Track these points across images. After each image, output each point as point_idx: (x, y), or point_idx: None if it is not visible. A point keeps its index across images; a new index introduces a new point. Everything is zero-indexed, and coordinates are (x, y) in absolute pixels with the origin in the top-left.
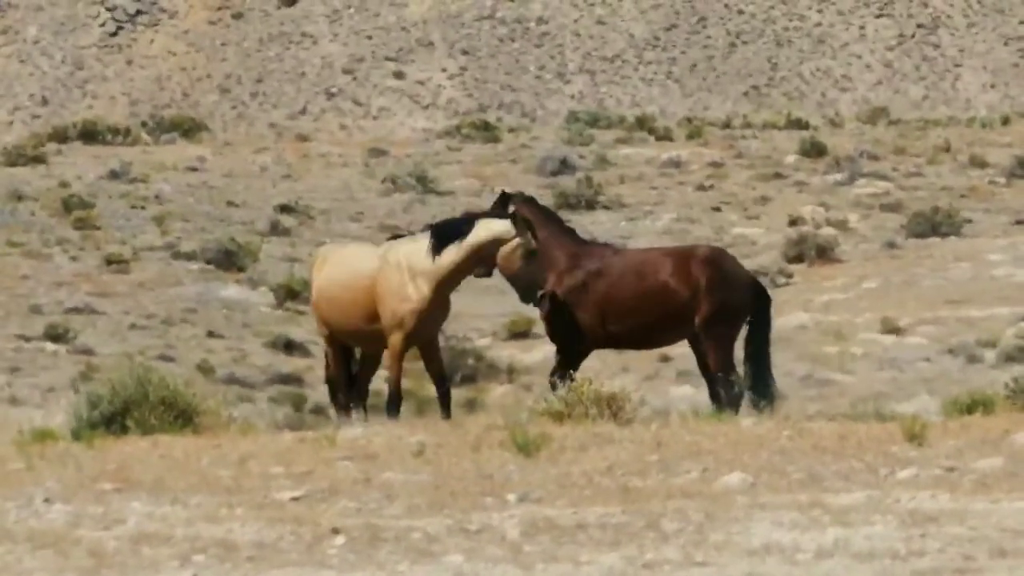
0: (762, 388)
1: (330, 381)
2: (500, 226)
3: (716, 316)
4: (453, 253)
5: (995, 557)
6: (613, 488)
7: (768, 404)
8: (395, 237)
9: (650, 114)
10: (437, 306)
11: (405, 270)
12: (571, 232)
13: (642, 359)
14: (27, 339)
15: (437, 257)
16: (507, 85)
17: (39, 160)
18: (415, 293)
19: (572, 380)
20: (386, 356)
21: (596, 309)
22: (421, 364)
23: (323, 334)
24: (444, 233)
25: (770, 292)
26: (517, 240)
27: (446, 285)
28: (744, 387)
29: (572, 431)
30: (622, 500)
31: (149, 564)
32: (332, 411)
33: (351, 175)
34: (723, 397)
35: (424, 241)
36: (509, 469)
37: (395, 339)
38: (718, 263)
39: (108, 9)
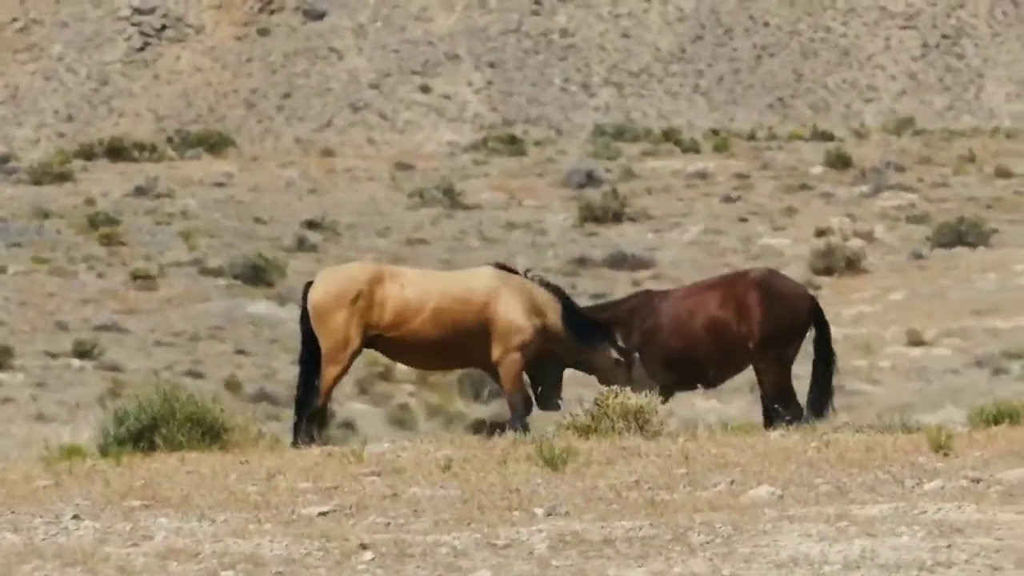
0: (819, 407)
1: (322, 393)
2: (612, 357)
3: (769, 340)
4: (579, 347)
5: (1022, 567)
6: (640, 502)
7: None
8: (501, 267)
9: (676, 127)
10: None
11: (528, 305)
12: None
13: None
14: (54, 356)
15: (570, 332)
16: (533, 98)
17: (65, 177)
18: (531, 326)
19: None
20: (507, 383)
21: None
22: (442, 378)
23: (347, 351)
24: (588, 326)
25: None
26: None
27: (551, 341)
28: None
29: (598, 445)
30: (649, 514)
31: None
32: (307, 431)
33: (378, 189)
34: (778, 419)
35: (548, 294)
36: (536, 483)
37: (515, 364)
38: (767, 285)
39: (134, 24)
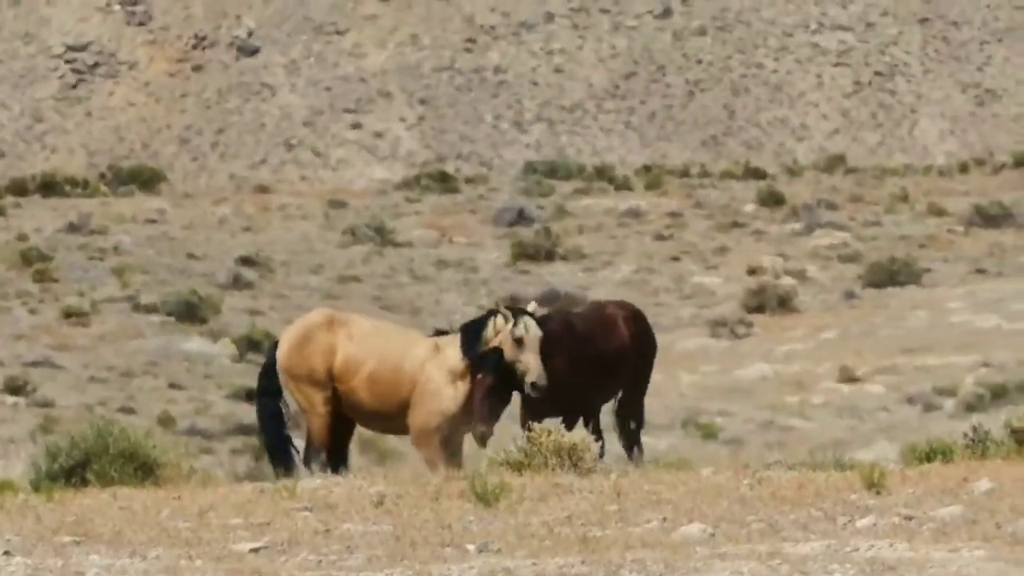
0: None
1: (315, 445)
2: (502, 312)
3: (649, 369)
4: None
5: None
6: (572, 538)
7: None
8: (439, 333)
9: (609, 163)
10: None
11: (449, 371)
12: None
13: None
14: None
15: (469, 355)
16: (465, 135)
17: None
18: (455, 394)
19: (531, 430)
20: (429, 465)
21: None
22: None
23: (319, 397)
24: (471, 330)
25: (731, 342)
26: (509, 326)
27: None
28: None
29: (531, 481)
30: (581, 550)
31: None
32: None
33: (310, 227)
34: (637, 449)
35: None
36: (469, 519)
37: (432, 446)
38: (644, 317)
39: (67, 62)
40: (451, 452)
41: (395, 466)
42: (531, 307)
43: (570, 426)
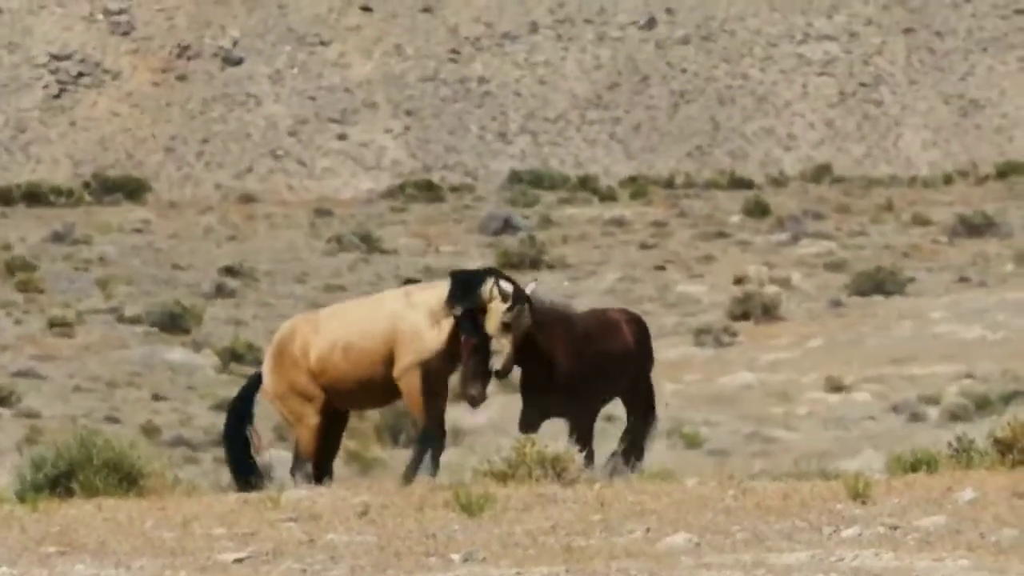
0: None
1: (302, 456)
2: (503, 288)
3: (648, 376)
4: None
5: None
6: (557, 548)
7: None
8: (409, 282)
9: (593, 174)
10: (450, 357)
11: (427, 313)
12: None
13: None
14: None
15: (455, 305)
16: (450, 146)
17: None
18: (437, 335)
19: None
20: (411, 404)
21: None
22: (359, 423)
23: (308, 408)
24: (463, 282)
25: (716, 350)
26: (504, 307)
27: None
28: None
29: (516, 491)
30: (566, 560)
31: None
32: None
33: (296, 236)
34: (635, 458)
35: (445, 287)
36: (453, 529)
37: (414, 378)
38: (645, 325)
39: (51, 72)
40: (434, 406)
41: (379, 476)
42: (530, 288)
43: (577, 426)
